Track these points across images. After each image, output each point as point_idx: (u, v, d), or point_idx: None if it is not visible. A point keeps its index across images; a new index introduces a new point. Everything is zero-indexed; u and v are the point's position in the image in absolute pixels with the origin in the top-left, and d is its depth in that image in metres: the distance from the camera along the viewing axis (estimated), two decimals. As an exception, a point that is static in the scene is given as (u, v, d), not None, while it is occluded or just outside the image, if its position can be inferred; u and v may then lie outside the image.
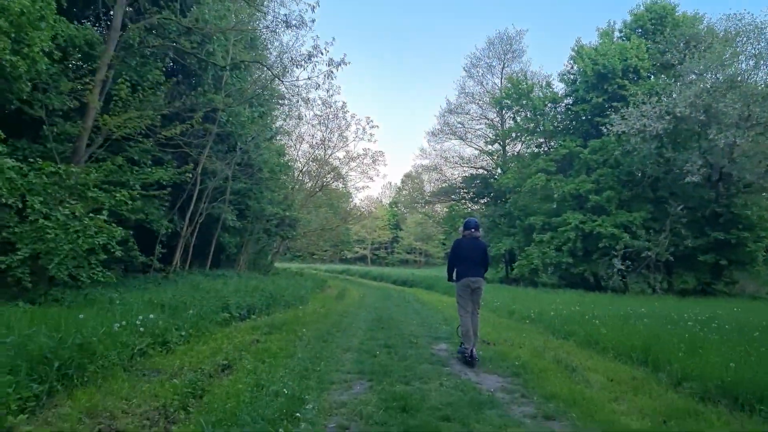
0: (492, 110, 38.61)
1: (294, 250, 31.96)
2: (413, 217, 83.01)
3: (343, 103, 30.77)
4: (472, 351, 7.15)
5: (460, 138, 39.01)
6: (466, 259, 7.72)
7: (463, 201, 40.72)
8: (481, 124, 39.03)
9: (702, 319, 11.27)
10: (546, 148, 32.39)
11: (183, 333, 7.69)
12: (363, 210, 32.14)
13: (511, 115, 35.13)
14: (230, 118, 15.63)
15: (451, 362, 7.33)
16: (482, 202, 39.31)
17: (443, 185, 40.78)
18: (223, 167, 16.30)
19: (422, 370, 6.61)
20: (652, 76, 27.99)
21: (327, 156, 28.71)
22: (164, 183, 12.79)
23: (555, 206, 29.91)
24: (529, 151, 33.94)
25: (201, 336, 8.19)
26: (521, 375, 6.42)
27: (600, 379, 6.37)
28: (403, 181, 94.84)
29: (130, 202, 9.95)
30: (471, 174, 39.91)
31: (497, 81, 38.48)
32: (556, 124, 30.92)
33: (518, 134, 32.64)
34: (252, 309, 11.49)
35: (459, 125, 39.02)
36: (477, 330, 7.67)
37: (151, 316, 7.26)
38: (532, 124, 31.72)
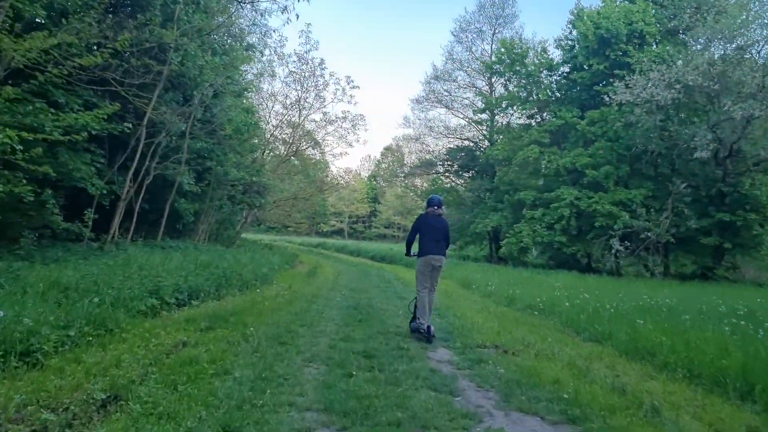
0: (481, 78, 36.18)
1: (265, 221, 29.15)
2: (392, 190, 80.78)
3: (321, 59, 28.54)
4: (428, 327, 7.28)
5: (446, 107, 36.54)
6: (429, 236, 7.75)
7: (447, 174, 38.43)
8: (468, 92, 36.60)
9: (743, 314, 9.20)
10: (539, 119, 30.13)
11: (71, 333, 5.28)
12: (341, 179, 29.38)
13: (503, 83, 32.73)
14: (185, 61, 13.01)
15: (462, 387, 5.05)
16: (467, 175, 37.01)
17: (426, 157, 38.39)
18: (177, 120, 13.67)
19: (422, 402, 4.33)
20: (657, 44, 25.73)
21: (302, 119, 26.10)
22: (95, 133, 10.25)
23: (547, 181, 27.92)
24: (520, 122, 31.70)
25: (104, 335, 5.80)
26: (580, 422, 4.14)
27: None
28: (383, 154, 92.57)
29: (19, 148, 7.43)
30: (456, 146, 37.57)
31: (487, 47, 35.99)
32: (551, 93, 28.63)
33: (509, 103, 30.25)
34: (196, 292, 9.08)
35: (445, 93, 36.52)
36: (431, 306, 7.76)
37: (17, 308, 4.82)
38: (525, 93, 29.39)
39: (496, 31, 35.71)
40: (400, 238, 74.91)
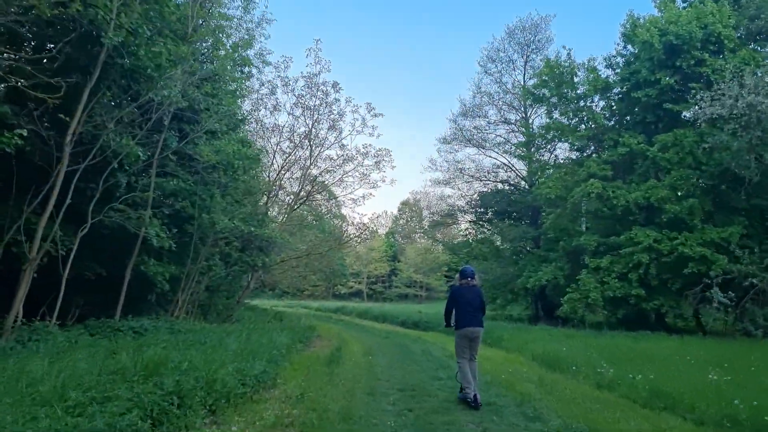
0: (514, 111, 32.04)
1: (274, 285, 24.00)
2: (412, 247, 76.03)
3: (335, 82, 23.56)
4: (475, 395, 7.36)
5: (477, 146, 32.28)
6: (465, 308, 8.00)
7: (480, 223, 33.74)
8: (501, 129, 32.42)
9: None
10: (592, 151, 25.59)
11: None
12: (366, 225, 24.30)
13: (545, 111, 28.44)
14: (134, 49, 8.72)
15: None
16: (502, 224, 32.22)
17: (457, 203, 33.89)
18: (129, 143, 9.29)
19: None
20: (737, 50, 21.39)
21: (314, 157, 21.67)
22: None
23: (610, 222, 23.23)
24: (568, 156, 27.17)
25: None
26: None
27: None
28: (400, 210, 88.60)
29: None
30: (491, 189, 33.08)
31: (519, 77, 32.05)
32: (607, 118, 24.22)
33: (556, 134, 25.81)
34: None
35: (475, 131, 32.36)
36: (476, 374, 7.91)
37: None
38: (575, 120, 25.01)
39: (529, 59, 31.84)
40: (423, 298, 69.68)
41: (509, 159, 32.14)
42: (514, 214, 32.07)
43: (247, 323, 15.68)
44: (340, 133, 21.15)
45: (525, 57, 31.99)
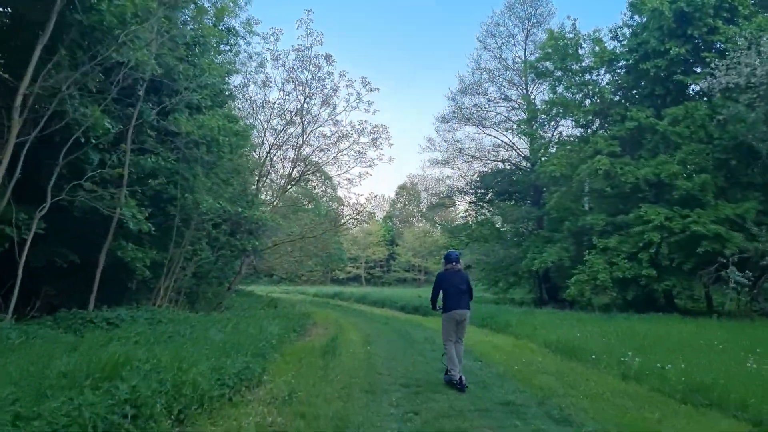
0: (515, 88, 30.87)
1: (268, 270, 22.81)
2: (410, 231, 75.12)
3: (327, 55, 21.75)
4: (460, 377, 7.47)
5: (477, 125, 31.13)
6: (452, 292, 8.07)
7: (481, 204, 32.70)
8: (501, 107, 31.26)
9: None
10: (597, 127, 24.49)
11: None
12: (363, 206, 22.80)
13: (546, 87, 27.32)
14: (94, 2, 7.62)
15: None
16: (504, 204, 31.17)
17: (456, 184, 32.80)
18: (98, 114, 8.22)
19: None
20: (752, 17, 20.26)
21: (306, 135, 20.55)
22: None
23: (619, 199, 22.27)
24: (572, 133, 26.04)
25: None
26: None
27: None
28: (397, 193, 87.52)
29: None
30: (491, 169, 32.01)
31: (519, 53, 30.81)
32: (614, 91, 23.06)
33: (559, 111, 24.65)
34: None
35: (474, 109, 31.20)
36: (461, 356, 8.01)
37: None
38: (580, 94, 23.91)
39: (529, 33, 30.60)
40: (422, 281, 68.87)
41: (510, 137, 31.12)
42: (516, 194, 31.09)
43: (238, 311, 14.69)
44: (334, 109, 19.96)
45: (525, 31, 30.77)
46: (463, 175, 32.00)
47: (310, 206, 22.96)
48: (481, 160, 31.53)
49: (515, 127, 27.58)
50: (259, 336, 10.07)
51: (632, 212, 20.44)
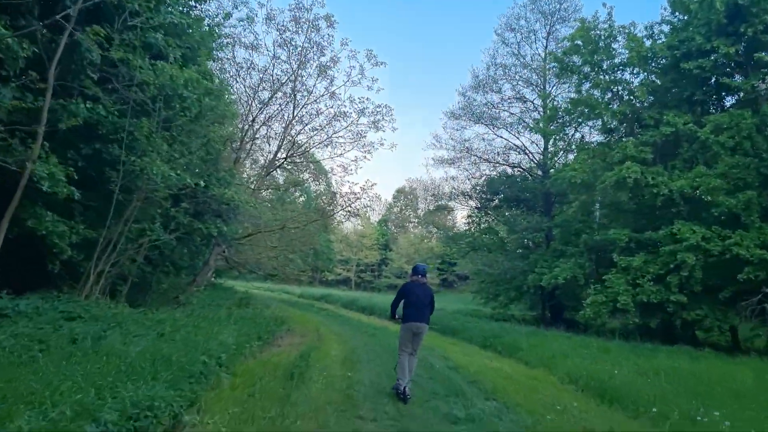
0: (532, 88, 28.43)
1: (239, 264, 19.73)
2: (405, 236, 72.65)
3: (328, 15, 18.60)
4: (405, 388, 7.49)
5: (488, 124, 28.66)
6: (414, 304, 8.07)
7: (486, 210, 30.17)
8: (515, 107, 28.82)
9: None
10: (624, 133, 21.99)
11: None
12: (357, 195, 19.25)
13: (568, 88, 24.91)
14: None
15: None
16: (509, 213, 28.63)
17: (462, 186, 30.25)
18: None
19: None
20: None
21: (298, 108, 17.29)
22: None
23: (644, 215, 19.89)
24: (594, 139, 23.46)
25: None
26: None
27: None
28: (394, 197, 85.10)
29: None
30: (500, 173, 29.54)
31: (540, 51, 28.38)
32: (648, 92, 20.53)
33: (584, 111, 22.05)
34: None
35: (486, 108, 28.73)
36: (413, 369, 8.06)
37: None
38: (608, 95, 21.42)
39: (552, 30, 28.18)
40: (414, 290, 66.21)
41: (523, 141, 28.69)
42: (524, 203, 28.60)
43: (197, 308, 12.12)
44: (331, 82, 17.15)
45: (548, 28, 28.35)
46: (470, 176, 29.51)
47: (296, 194, 20.36)
48: (489, 162, 29.06)
49: (531, 125, 24.87)
50: (204, 346, 7.49)
51: (662, 229, 18.01)
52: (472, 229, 30.39)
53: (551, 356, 12.18)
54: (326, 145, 16.68)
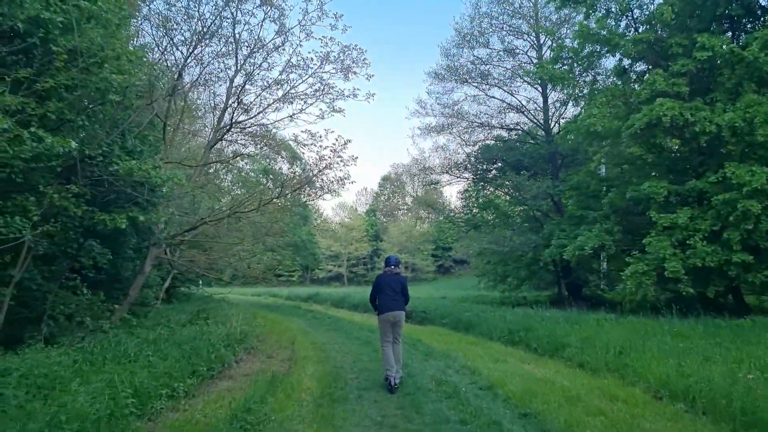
0: (524, 38, 24.82)
1: (189, 268, 15.26)
2: (396, 225, 69.16)
3: None
4: (392, 378, 7.52)
5: (479, 83, 25.04)
6: (388, 292, 8.16)
7: (483, 183, 26.59)
8: (507, 63, 25.22)
9: None
10: (653, 63, 18.33)
11: None
12: (328, 161, 14.84)
13: (566, 31, 21.34)
14: None
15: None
16: (519, 177, 24.63)
17: (454, 157, 26.58)
18: None
19: None
20: None
21: (242, 59, 13.33)
22: None
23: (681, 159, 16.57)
24: (611, 81, 19.65)
25: None
26: None
27: None
28: (380, 185, 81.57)
29: None
30: (495, 139, 26.01)
31: (529, -2, 24.69)
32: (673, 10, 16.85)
33: (596, 48, 18.35)
34: None
35: (473, 66, 25.10)
36: (400, 357, 8.13)
37: None
38: (623, 22, 17.86)
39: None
40: (409, 279, 62.77)
41: (519, 99, 25.15)
42: (526, 169, 25.10)
43: (112, 338, 8.45)
44: (281, 16, 13.01)
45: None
46: (463, 144, 25.81)
47: (251, 173, 16.57)
48: (483, 126, 25.44)
49: (533, 69, 20.88)
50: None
51: (707, 176, 14.67)
52: (470, 204, 26.91)
53: (617, 353, 8.71)
54: (283, 105, 12.78)
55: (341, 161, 11.66)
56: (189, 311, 14.50)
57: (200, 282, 18.12)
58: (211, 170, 15.05)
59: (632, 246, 16.47)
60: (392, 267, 8.53)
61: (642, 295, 15.24)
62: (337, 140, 11.36)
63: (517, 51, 24.89)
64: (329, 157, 11.62)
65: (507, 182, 22.90)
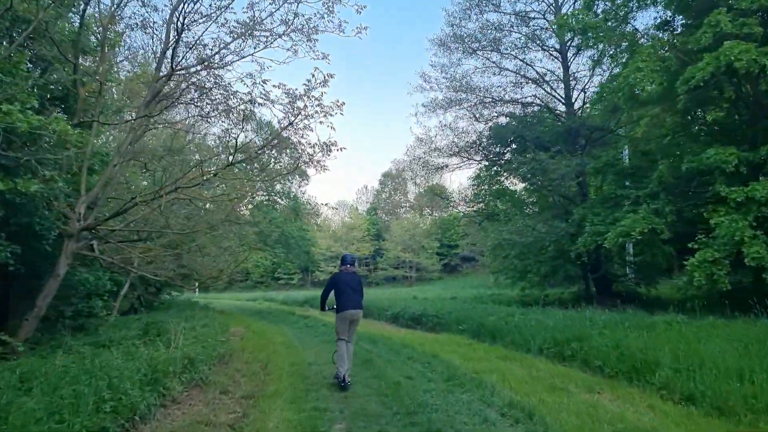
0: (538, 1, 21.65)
1: (123, 265, 12.36)
2: (398, 223, 65.91)
3: None
4: (345, 376, 7.50)
5: (491, 50, 21.87)
6: (346, 291, 8.13)
7: (498, 167, 23.44)
8: (521, 29, 22.05)
9: None
10: (707, 5, 15.12)
11: None
12: (303, 112, 11.81)
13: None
14: None
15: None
16: (539, 155, 21.18)
17: (459, 141, 23.31)
18: None
19: None
20: None
21: None
22: None
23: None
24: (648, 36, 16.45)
25: None
26: None
27: None
28: (381, 182, 78.38)
29: None
30: (509, 115, 22.83)
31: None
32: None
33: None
34: None
35: (481, 34, 21.92)
36: (351, 355, 8.08)
37: None
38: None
39: None
40: (414, 279, 59.82)
41: (537, 69, 21.99)
42: (544, 148, 21.87)
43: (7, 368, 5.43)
44: None
45: None
46: (475, 117, 22.48)
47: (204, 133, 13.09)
48: (495, 101, 22.22)
49: (561, 20, 17.22)
50: None
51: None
52: (482, 193, 23.78)
53: (747, 380, 5.62)
54: (244, 40, 9.25)
55: (320, 109, 8.47)
56: (135, 328, 11.37)
57: (185, 287, 15.11)
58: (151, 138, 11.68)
59: (688, 229, 13.40)
60: (348, 266, 8.50)
61: (718, 288, 12.16)
62: (314, 74, 8.08)
63: (533, 14, 21.76)
64: (303, 98, 8.38)
65: (522, 166, 19.59)
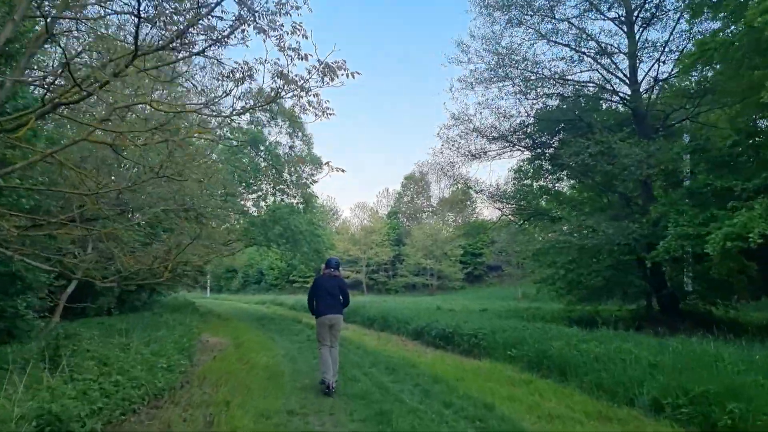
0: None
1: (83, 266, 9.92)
2: (419, 228, 62.35)
3: None
4: (330, 382, 7.37)
5: (545, 15, 18.30)
6: (324, 298, 7.95)
7: (542, 159, 19.90)
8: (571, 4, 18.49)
9: None
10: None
11: None
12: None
13: None
14: None
15: None
16: (607, 138, 17.15)
17: (502, 125, 19.69)
18: None
19: None
20: None
21: None
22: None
23: None
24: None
25: None
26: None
27: None
28: (404, 185, 74.87)
29: None
30: (560, 96, 19.16)
31: None
32: None
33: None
34: None
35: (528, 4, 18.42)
36: (336, 361, 7.87)
37: None
38: None
39: None
40: (435, 288, 56.25)
41: (594, 44, 18.37)
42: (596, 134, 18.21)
43: None
44: None
45: None
46: (523, 94, 18.81)
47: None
48: (546, 79, 18.55)
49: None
50: None
51: None
52: (525, 190, 20.23)
53: None
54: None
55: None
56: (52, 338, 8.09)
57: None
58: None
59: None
60: (332, 270, 8.22)
61: None
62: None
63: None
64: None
65: (583, 152, 15.88)
